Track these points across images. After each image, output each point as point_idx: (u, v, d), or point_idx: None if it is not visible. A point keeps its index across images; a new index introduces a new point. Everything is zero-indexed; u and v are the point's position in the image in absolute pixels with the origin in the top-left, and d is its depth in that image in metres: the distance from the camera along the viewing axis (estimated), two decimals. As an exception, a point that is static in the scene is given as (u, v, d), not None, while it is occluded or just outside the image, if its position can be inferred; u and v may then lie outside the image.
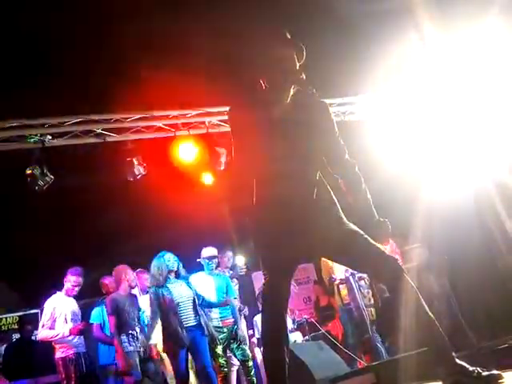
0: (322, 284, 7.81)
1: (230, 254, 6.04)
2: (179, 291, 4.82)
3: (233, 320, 5.26)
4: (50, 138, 4.53)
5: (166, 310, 4.69)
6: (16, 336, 7.02)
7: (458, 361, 2.01)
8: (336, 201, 2.28)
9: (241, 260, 6.35)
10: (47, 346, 5.46)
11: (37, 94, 4.50)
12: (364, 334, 5.59)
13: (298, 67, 2.30)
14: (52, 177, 4.42)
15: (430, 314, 2.07)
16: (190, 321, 4.71)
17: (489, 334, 3.89)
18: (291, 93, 2.28)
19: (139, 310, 5.21)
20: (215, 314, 5.19)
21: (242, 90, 2.48)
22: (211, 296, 5.25)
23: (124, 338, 4.86)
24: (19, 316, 7.31)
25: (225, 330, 5.13)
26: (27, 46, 4.56)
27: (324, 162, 2.33)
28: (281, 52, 2.24)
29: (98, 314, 5.30)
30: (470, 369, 1.98)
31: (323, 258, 5.83)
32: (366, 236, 2.18)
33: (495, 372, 1.93)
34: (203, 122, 5.24)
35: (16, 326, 7.23)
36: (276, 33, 2.32)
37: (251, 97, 2.36)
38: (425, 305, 2.08)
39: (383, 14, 4.49)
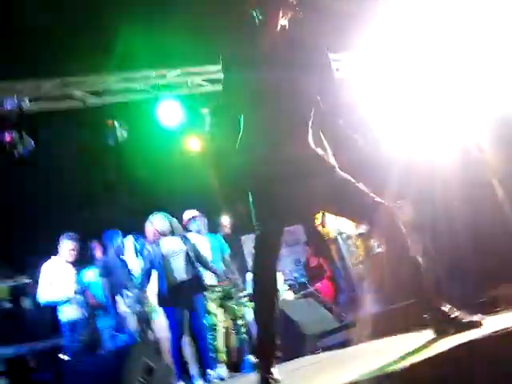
0: (311, 245, 7.90)
1: (223, 221, 6.07)
2: (169, 246, 4.83)
3: (227, 280, 5.32)
4: (28, 101, 4.39)
5: (156, 266, 4.74)
6: (7, 305, 7.02)
7: (442, 307, 2.03)
8: (327, 146, 2.22)
9: (225, 219, 6.33)
10: (39, 312, 5.53)
11: (10, 56, 4.34)
12: (352, 292, 5.69)
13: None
14: (32, 142, 4.32)
15: (417, 258, 2.07)
16: (182, 275, 4.73)
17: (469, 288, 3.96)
18: (284, 24, 2.19)
19: (129, 272, 5.26)
20: (210, 272, 5.22)
21: (230, 26, 2.35)
22: (207, 255, 5.27)
23: (118, 298, 4.95)
24: (10, 286, 7.30)
25: (219, 288, 5.19)
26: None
27: (318, 103, 2.24)
28: None
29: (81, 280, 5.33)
30: (453, 315, 2.00)
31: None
32: (357, 184, 2.16)
33: (476, 318, 1.96)
34: (185, 82, 5.11)
35: (8, 297, 7.23)
36: None
37: (240, 30, 2.28)
38: (412, 251, 2.08)
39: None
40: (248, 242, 8.47)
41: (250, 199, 2.16)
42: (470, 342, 1.66)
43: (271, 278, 2.12)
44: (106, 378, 3.77)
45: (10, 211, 6.11)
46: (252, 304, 5.86)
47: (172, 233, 4.92)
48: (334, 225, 6.06)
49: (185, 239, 4.95)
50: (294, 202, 2.17)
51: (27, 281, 6.91)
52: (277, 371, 1.93)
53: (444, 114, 5.20)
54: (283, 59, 2.15)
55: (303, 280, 7.28)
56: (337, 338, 4.18)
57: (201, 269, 4.95)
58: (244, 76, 2.11)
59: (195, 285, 4.78)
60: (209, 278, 5.17)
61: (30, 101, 4.43)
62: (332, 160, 2.21)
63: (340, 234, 5.85)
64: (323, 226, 6.03)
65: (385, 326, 3.43)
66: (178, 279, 4.73)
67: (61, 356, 5.06)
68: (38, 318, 5.66)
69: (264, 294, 2.10)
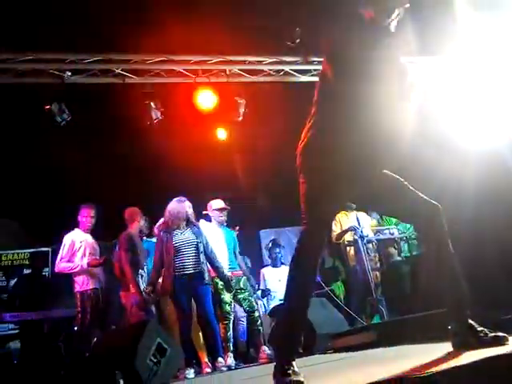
0: (327, 246, 7.88)
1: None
2: (181, 238, 4.88)
3: (241, 272, 5.38)
4: (70, 74, 4.46)
5: (166, 255, 4.78)
6: (27, 271, 7.17)
7: (470, 321, 2.00)
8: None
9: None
10: (57, 281, 5.62)
11: (57, 30, 4.40)
12: (367, 297, 5.65)
13: None
14: (70, 114, 4.39)
15: (457, 267, 2.05)
16: (189, 268, 4.78)
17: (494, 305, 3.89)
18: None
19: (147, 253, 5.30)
20: (225, 264, 5.24)
21: (342, 26, 2.24)
22: (221, 247, 5.31)
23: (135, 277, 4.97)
24: (30, 252, 7.45)
25: (233, 279, 5.22)
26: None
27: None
28: None
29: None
30: (479, 329, 1.98)
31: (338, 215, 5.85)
32: (403, 181, 2.16)
33: (501, 334, 1.93)
34: (224, 71, 5.13)
35: (27, 262, 7.38)
36: None
37: (356, 33, 2.15)
38: (453, 257, 2.06)
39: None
40: (265, 237, 8.50)
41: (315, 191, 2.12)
42: (494, 357, 1.64)
43: (314, 274, 2.12)
44: (118, 352, 3.82)
45: (41, 181, 6.24)
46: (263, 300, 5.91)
47: (187, 221, 4.95)
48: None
49: (198, 229, 4.98)
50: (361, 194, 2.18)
51: (48, 249, 7.07)
52: (296, 365, 1.93)
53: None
54: (389, 59, 2.13)
55: (318, 280, 7.27)
56: (349, 340, 4.15)
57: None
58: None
59: (206, 275, 4.82)
60: (224, 269, 5.21)
61: (72, 73, 4.50)
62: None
63: (361, 237, 5.79)
64: (337, 239, 6.01)
65: (400, 334, 3.41)
66: (189, 269, 4.77)
67: (75, 325, 5.13)
68: (56, 286, 5.77)
69: (304, 287, 2.09)
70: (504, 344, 1.87)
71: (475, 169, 5.17)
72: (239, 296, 5.24)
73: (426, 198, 2.13)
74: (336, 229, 5.95)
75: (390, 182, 2.17)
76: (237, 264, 5.43)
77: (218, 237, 5.34)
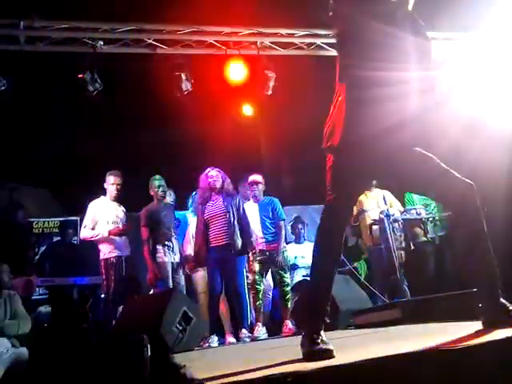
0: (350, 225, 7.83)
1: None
2: (211, 209, 4.93)
3: (277, 245, 5.30)
4: (102, 43, 4.48)
5: (200, 227, 4.84)
6: (57, 239, 7.35)
7: (502, 299, 1.98)
8: None
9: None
10: (86, 249, 5.74)
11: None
12: (391, 276, 5.62)
13: None
14: (101, 83, 4.42)
15: (490, 247, 2.01)
16: (220, 240, 4.83)
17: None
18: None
19: (176, 219, 5.34)
20: (259, 238, 5.29)
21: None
22: (255, 222, 5.32)
23: (160, 248, 5.03)
24: (60, 221, 7.62)
25: (267, 253, 5.25)
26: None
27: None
28: None
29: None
30: (511, 308, 1.95)
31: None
32: (436, 159, 2.11)
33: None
34: (255, 43, 5.07)
35: (57, 230, 7.55)
36: None
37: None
38: (486, 236, 2.02)
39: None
40: (288, 214, 8.49)
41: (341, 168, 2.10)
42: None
43: (339, 249, 2.11)
44: (145, 319, 3.92)
45: (71, 150, 6.34)
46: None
47: (220, 191, 4.97)
48: (381, 207, 5.96)
49: (231, 198, 4.98)
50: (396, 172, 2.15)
51: (77, 218, 7.22)
52: (324, 335, 1.95)
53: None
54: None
55: (341, 258, 7.25)
56: (372, 317, 4.16)
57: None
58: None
59: (239, 245, 4.83)
60: (259, 244, 5.25)
61: (104, 43, 4.51)
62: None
63: (387, 216, 5.74)
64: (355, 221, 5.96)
65: (424, 313, 3.39)
66: (221, 240, 4.81)
67: (101, 293, 5.23)
68: (85, 254, 5.89)
69: (331, 258, 2.08)
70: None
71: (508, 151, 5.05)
72: (272, 269, 5.29)
73: (459, 176, 2.09)
74: (355, 211, 5.90)
75: (423, 158, 2.12)
76: (275, 236, 5.32)
77: (251, 211, 5.31)
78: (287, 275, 5.41)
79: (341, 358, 1.62)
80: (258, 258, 5.19)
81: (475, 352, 1.58)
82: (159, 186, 5.17)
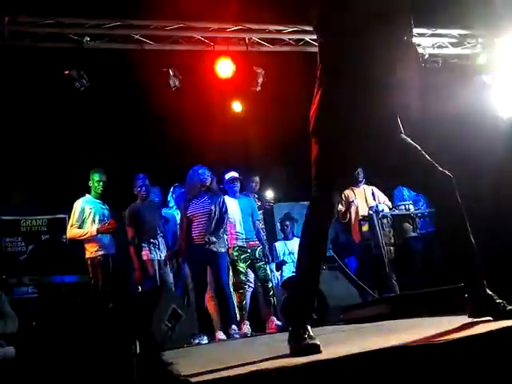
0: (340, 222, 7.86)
1: (256, 179, 6.06)
2: (196, 207, 4.93)
3: (257, 242, 5.41)
4: (89, 39, 4.44)
5: (183, 224, 4.84)
6: (46, 237, 7.29)
7: (488, 291, 2.00)
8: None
9: (269, 194, 6.38)
10: (75, 247, 5.69)
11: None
12: (380, 271, 5.65)
13: None
14: (88, 80, 4.38)
15: (471, 238, 2.03)
16: (202, 238, 4.82)
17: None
18: None
19: (162, 218, 5.32)
20: (240, 234, 5.32)
21: None
22: (236, 217, 5.34)
23: (145, 246, 5.03)
24: (48, 219, 7.56)
25: (248, 250, 5.28)
26: None
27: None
28: None
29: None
30: (497, 300, 1.97)
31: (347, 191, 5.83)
32: (420, 150, 2.11)
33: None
34: (243, 39, 5.05)
35: (45, 228, 7.49)
36: None
37: None
38: (468, 228, 2.03)
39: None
40: (279, 211, 8.51)
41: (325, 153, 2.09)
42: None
43: (324, 240, 2.11)
44: (134, 316, 3.90)
45: (57, 148, 6.28)
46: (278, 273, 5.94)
47: (207, 189, 4.97)
48: (369, 203, 5.99)
49: (215, 197, 5.00)
50: (372, 160, 2.14)
51: (65, 216, 7.17)
52: (312, 330, 1.95)
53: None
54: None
55: (331, 254, 7.28)
56: (361, 312, 4.17)
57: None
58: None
59: (221, 243, 4.88)
60: (239, 240, 5.26)
61: (90, 39, 4.47)
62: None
63: (376, 212, 5.77)
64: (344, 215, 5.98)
65: (413, 307, 3.41)
66: (203, 237, 4.82)
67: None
68: (73, 252, 5.85)
69: (316, 252, 2.09)
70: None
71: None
72: (255, 266, 5.30)
73: (440, 168, 2.09)
74: (342, 208, 5.92)
75: (407, 147, 2.12)
76: (254, 234, 5.45)
77: (232, 208, 5.36)
78: (269, 271, 5.45)
79: (328, 353, 1.62)
80: (241, 257, 5.20)
81: (461, 345, 1.59)
82: (98, 182, 5.12)
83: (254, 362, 1.57)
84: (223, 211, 5.00)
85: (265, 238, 6.09)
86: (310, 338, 1.86)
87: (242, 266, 5.19)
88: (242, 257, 5.22)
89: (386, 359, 1.41)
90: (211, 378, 1.30)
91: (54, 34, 4.54)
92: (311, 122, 2.18)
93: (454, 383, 1.43)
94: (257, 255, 5.32)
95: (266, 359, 1.65)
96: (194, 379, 1.34)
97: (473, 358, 1.54)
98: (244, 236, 5.34)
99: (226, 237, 5.08)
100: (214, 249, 4.82)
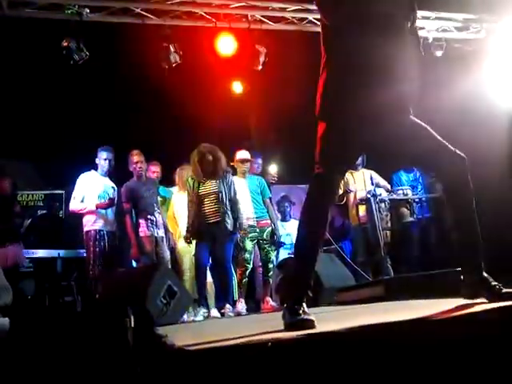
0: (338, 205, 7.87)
1: (259, 160, 6.02)
2: (204, 187, 4.90)
3: (269, 222, 5.37)
4: (88, 11, 4.36)
5: (193, 202, 4.81)
6: (42, 212, 7.28)
7: (484, 274, 2.00)
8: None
9: (273, 168, 6.34)
10: (72, 222, 5.69)
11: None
12: (375, 255, 5.68)
13: None
14: (87, 53, 4.32)
15: (477, 222, 2.03)
16: (212, 217, 4.83)
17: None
18: None
19: (159, 195, 5.31)
20: (250, 214, 5.30)
21: None
22: (245, 197, 5.31)
23: (142, 222, 5.03)
24: (45, 194, 7.55)
25: (257, 230, 5.28)
26: None
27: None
28: None
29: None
30: (493, 283, 1.97)
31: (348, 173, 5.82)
32: (431, 130, 2.09)
33: (514, 290, 1.92)
34: (245, 16, 4.97)
35: (41, 204, 7.49)
36: None
37: None
38: (474, 210, 2.03)
39: None
40: (277, 193, 8.50)
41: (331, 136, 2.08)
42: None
43: (324, 221, 2.10)
44: (129, 292, 3.91)
45: (55, 121, 6.21)
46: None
47: (214, 172, 4.93)
48: (367, 187, 5.99)
49: (223, 180, 4.96)
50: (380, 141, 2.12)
51: (62, 192, 7.16)
52: (306, 306, 1.96)
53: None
54: None
55: (327, 236, 7.29)
56: (355, 294, 4.19)
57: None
58: None
59: (229, 224, 4.85)
60: (250, 219, 5.25)
61: (90, 11, 4.39)
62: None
63: (373, 196, 5.76)
64: (342, 197, 5.96)
65: (407, 290, 3.42)
66: (211, 218, 4.82)
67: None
68: (70, 227, 5.85)
69: (315, 232, 2.08)
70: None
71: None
72: (261, 245, 5.31)
73: (452, 148, 2.07)
74: (340, 190, 5.91)
75: (417, 127, 2.10)
76: (265, 212, 5.40)
77: (240, 187, 5.31)
78: (273, 252, 5.45)
79: (322, 329, 1.62)
80: (250, 235, 5.19)
81: (454, 324, 1.60)
82: (105, 160, 5.11)
83: (249, 336, 1.57)
84: (232, 192, 4.96)
85: (278, 215, 6.06)
86: (305, 313, 1.86)
87: (248, 244, 5.19)
88: (250, 235, 5.22)
89: (381, 334, 1.41)
90: (206, 348, 1.29)
91: (53, 4, 4.46)
92: (318, 105, 2.16)
93: (447, 360, 1.43)
94: (264, 236, 5.32)
95: (260, 333, 1.65)
96: (188, 348, 1.34)
97: (467, 337, 1.55)
98: (254, 216, 5.32)
99: (239, 216, 5.00)
100: (222, 228, 4.81)
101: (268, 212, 5.43)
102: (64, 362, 2.20)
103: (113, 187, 5.26)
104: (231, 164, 5.43)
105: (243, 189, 5.33)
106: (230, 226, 4.83)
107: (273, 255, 5.46)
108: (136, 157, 5.16)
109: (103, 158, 5.12)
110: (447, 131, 2.19)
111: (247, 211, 5.26)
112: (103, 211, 5.03)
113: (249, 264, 5.22)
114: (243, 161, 5.42)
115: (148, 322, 3.38)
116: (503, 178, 5.11)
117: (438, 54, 5.88)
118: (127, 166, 5.25)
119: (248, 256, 5.19)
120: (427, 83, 2.26)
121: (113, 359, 2.20)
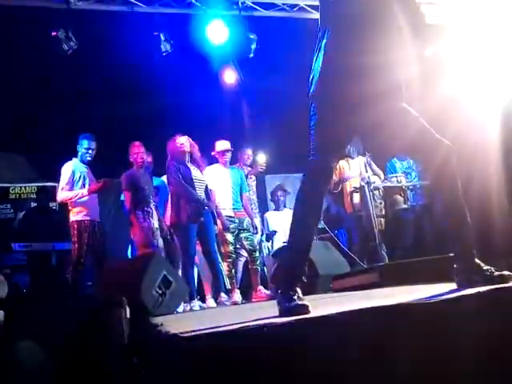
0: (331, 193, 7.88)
1: (249, 151, 6.01)
2: (195, 173, 4.93)
3: (244, 213, 5.42)
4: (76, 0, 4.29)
5: (185, 181, 4.81)
6: (34, 204, 7.24)
7: (476, 260, 2.01)
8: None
9: (262, 158, 6.33)
10: (65, 215, 5.64)
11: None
12: (370, 242, 5.70)
13: None
14: (77, 42, 4.25)
15: (465, 207, 2.04)
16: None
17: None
18: None
19: (154, 187, 5.30)
20: (228, 204, 5.30)
21: None
22: (226, 187, 5.32)
23: (139, 213, 5.00)
24: (37, 186, 7.49)
25: (236, 220, 5.29)
26: None
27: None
28: None
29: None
30: (485, 267, 1.98)
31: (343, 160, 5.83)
32: (421, 119, 2.09)
33: (506, 272, 1.93)
34: (236, 3, 4.92)
35: (34, 196, 7.43)
36: None
37: None
38: (460, 196, 2.04)
39: None
40: (271, 182, 8.49)
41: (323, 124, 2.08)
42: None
43: (318, 209, 2.11)
44: (124, 282, 3.90)
45: (46, 111, 6.14)
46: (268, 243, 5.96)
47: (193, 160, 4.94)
48: (362, 174, 5.99)
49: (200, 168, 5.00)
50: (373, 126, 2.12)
51: (55, 184, 7.09)
52: (300, 292, 1.96)
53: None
54: None
55: (322, 225, 7.31)
56: (350, 281, 4.21)
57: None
58: None
59: (210, 216, 4.91)
60: (227, 209, 5.26)
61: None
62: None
63: (367, 183, 5.77)
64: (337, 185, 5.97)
65: (402, 276, 3.44)
66: (195, 207, 4.81)
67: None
68: (64, 220, 5.80)
69: (310, 219, 2.08)
70: (509, 282, 1.88)
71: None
72: (241, 235, 5.31)
73: (440, 137, 2.08)
74: (335, 178, 5.91)
75: (407, 115, 2.10)
76: (241, 205, 5.46)
77: (222, 177, 5.34)
78: (256, 241, 5.46)
79: (316, 314, 1.63)
80: (230, 226, 5.20)
81: (446, 307, 1.61)
82: (87, 149, 4.98)
83: (244, 322, 1.57)
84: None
85: (256, 210, 6.09)
86: (300, 299, 1.87)
87: (229, 237, 5.20)
88: (230, 227, 5.23)
89: (374, 318, 1.41)
90: (202, 334, 1.29)
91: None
92: (311, 86, 2.15)
93: (440, 341, 1.44)
94: (244, 226, 5.34)
95: (256, 320, 1.65)
96: (184, 335, 1.33)
97: (462, 318, 1.56)
98: (232, 206, 5.34)
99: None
100: (208, 219, 4.85)
101: (244, 206, 5.46)
102: (59, 355, 2.20)
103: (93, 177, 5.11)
104: (212, 154, 5.42)
105: (225, 179, 5.36)
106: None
107: (255, 242, 5.46)
108: (137, 148, 5.14)
109: (84, 147, 4.95)
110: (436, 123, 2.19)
111: (226, 202, 5.28)
112: (86, 199, 4.86)
113: (233, 254, 5.25)
114: (223, 151, 5.40)
115: (143, 313, 3.38)
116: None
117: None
118: (118, 156, 5.19)
119: (231, 248, 5.21)
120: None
121: (109, 350, 2.20)
